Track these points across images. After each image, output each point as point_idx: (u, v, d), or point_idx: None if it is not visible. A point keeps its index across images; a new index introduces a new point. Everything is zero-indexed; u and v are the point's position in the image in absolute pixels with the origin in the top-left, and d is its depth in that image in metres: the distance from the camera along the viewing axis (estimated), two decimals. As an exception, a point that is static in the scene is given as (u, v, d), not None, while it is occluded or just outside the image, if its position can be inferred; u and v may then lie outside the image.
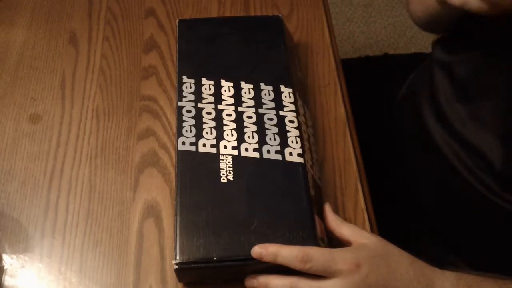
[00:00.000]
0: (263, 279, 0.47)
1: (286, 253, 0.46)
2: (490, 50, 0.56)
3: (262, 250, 0.46)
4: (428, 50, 0.71)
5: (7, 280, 0.53)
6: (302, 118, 0.57)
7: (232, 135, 0.54)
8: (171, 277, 0.52)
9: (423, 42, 1.60)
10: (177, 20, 0.65)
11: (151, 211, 0.57)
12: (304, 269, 0.45)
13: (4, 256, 0.54)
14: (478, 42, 0.58)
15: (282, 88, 0.58)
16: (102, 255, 0.54)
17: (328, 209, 0.52)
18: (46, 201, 0.58)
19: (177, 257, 0.47)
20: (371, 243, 0.48)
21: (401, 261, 0.47)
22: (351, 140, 0.61)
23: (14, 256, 0.54)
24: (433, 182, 0.64)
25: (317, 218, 0.49)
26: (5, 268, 0.53)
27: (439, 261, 0.50)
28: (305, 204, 0.49)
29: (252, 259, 0.47)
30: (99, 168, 0.60)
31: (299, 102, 0.58)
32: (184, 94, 0.57)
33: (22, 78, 0.68)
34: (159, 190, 0.58)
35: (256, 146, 0.53)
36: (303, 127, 0.56)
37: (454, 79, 0.60)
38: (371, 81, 0.84)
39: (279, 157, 0.52)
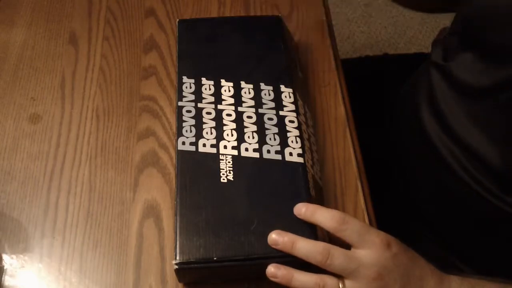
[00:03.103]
0: (287, 271, 0.46)
1: (304, 244, 0.45)
2: (487, 51, 0.56)
3: (278, 238, 0.46)
4: (428, 50, 0.71)
5: (7, 280, 0.53)
6: (302, 118, 0.57)
7: (232, 135, 0.54)
8: (171, 277, 0.52)
9: (423, 42, 1.61)
10: (177, 20, 0.65)
11: (151, 211, 0.57)
12: (325, 263, 0.45)
13: (4, 256, 0.54)
14: (475, 44, 0.58)
15: (282, 88, 0.58)
16: (102, 255, 0.54)
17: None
18: (46, 201, 0.58)
19: (177, 257, 0.47)
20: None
21: (419, 256, 0.48)
22: (351, 140, 0.61)
23: (14, 256, 0.54)
24: (433, 183, 0.64)
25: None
26: (5, 268, 0.53)
27: (439, 261, 0.50)
28: (305, 205, 0.49)
29: (252, 259, 0.47)
30: (99, 168, 0.60)
31: (300, 102, 0.58)
32: (184, 94, 0.57)
33: (22, 78, 0.68)
34: (159, 190, 0.58)
35: (256, 146, 0.53)
36: (303, 127, 0.56)
37: (451, 80, 0.60)
38: (371, 81, 0.84)
39: (279, 157, 0.52)
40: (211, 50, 0.62)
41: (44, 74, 0.68)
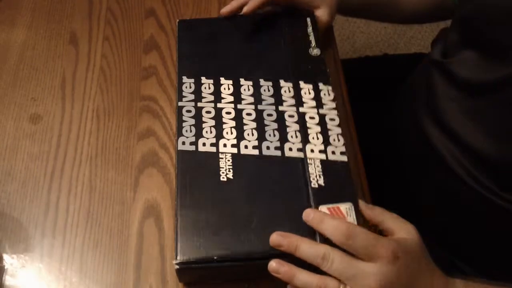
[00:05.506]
0: (290, 268, 0.45)
1: (307, 246, 0.45)
2: (488, 49, 0.56)
3: (282, 240, 0.46)
4: (428, 50, 0.72)
5: (7, 280, 0.53)
6: (310, 104, 0.55)
7: (231, 133, 0.54)
8: (171, 277, 0.52)
9: (423, 42, 1.61)
10: (177, 20, 0.65)
11: (151, 211, 0.57)
12: (328, 267, 0.44)
13: (5, 256, 0.54)
14: (477, 41, 0.58)
15: (282, 82, 0.57)
16: (102, 255, 0.54)
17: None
18: (46, 201, 0.58)
19: (178, 257, 0.47)
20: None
21: (427, 262, 0.48)
22: (351, 140, 0.61)
23: (14, 256, 0.54)
24: (432, 182, 0.64)
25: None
26: (5, 268, 0.53)
27: (439, 261, 0.50)
28: (305, 202, 0.49)
29: (252, 259, 0.47)
30: (99, 168, 0.60)
31: (304, 90, 0.56)
32: (184, 94, 0.57)
33: (22, 78, 0.68)
34: (159, 190, 0.58)
35: (256, 143, 0.53)
36: (309, 115, 0.55)
37: (450, 77, 0.60)
38: (371, 81, 0.84)
39: (278, 153, 0.52)
40: (211, 50, 0.62)
41: (44, 74, 0.68)
